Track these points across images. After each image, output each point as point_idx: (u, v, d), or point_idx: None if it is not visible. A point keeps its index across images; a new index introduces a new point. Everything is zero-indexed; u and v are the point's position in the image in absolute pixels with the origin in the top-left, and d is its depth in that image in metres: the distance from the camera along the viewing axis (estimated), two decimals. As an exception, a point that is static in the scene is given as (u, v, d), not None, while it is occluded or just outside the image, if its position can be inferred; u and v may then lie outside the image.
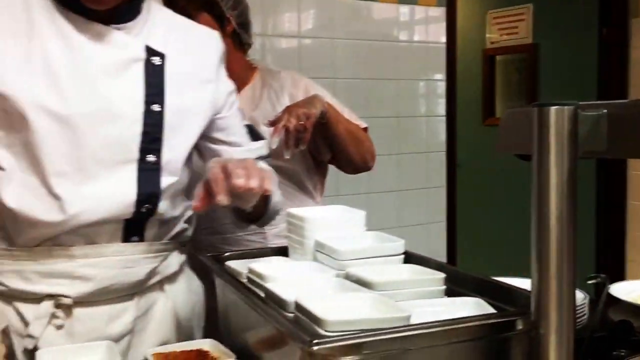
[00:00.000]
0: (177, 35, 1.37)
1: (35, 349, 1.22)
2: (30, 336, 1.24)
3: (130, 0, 1.28)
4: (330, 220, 1.33)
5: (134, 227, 1.31)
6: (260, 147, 1.57)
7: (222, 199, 1.16)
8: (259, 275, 1.17)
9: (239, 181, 1.17)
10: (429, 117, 3.35)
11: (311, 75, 2.10)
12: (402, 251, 1.25)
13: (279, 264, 1.29)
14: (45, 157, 1.20)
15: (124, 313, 1.33)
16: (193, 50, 1.40)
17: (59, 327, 1.27)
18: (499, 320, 0.98)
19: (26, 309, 1.26)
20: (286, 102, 1.91)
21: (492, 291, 1.12)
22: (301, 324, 0.95)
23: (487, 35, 4.95)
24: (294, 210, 1.36)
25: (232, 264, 1.32)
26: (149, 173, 1.29)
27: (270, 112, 1.87)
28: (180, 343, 1.27)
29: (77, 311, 1.28)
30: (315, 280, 1.15)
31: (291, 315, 1.00)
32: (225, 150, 1.47)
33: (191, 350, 1.22)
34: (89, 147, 1.23)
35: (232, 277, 1.26)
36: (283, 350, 1.02)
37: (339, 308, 0.97)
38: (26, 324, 1.26)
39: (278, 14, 2.89)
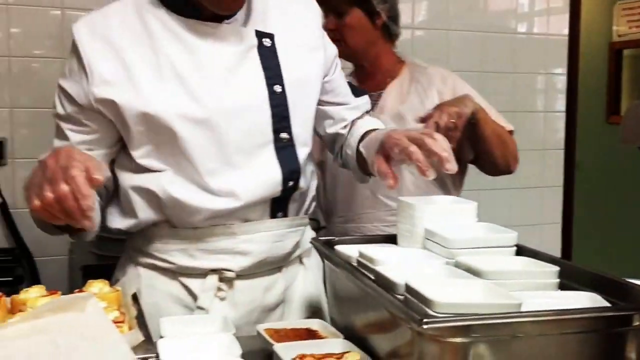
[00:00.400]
0: (275, 11, 1.44)
1: None
2: (200, 307, 1.40)
3: None
4: (441, 210, 1.36)
5: (279, 203, 1.44)
6: (366, 103, 1.65)
7: (431, 174, 1.27)
8: (370, 259, 1.22)
9: (444, 154, 1.27)
10: (547, 112, 3.28)
11: (424, 67, 2.13)
12: (515, 243, 1.27)
13: (388, 250, 1.34)
14: (196, 160, 1.33)
15: (275, 284, 1.47)
16: (295, 22, 1.47)
17: (223, 299, 1.41)
18: (615, 314, 0.98)
19: (192, 283, 1.42)
20: (434, 98, 1.96)
21: (608, 287, 1.11)
22: (411, 306, 1.00)
23: (615, 28, 4.76)
24: (404, 199, 1.40)
25: (342, 248, 1.38)
26: (286, 150, 1.40)
27: (418, 107, 1.93)
28: (290, 321, 1.35)
29: (238, 283, 1.42)
30: (425, 266, 1.19)
31: (401, 297, 1.05)
32: (334, 110, 1.57)
33: (300, 329, 1.29)
34: (230, 141, 1.34)
35: (343, 261, 1.32)
36: (392, 331, 1.07)
37: (448, 292, 1.01)
38: (194, 296, 1.41)
39: (392, 5, 2.92)
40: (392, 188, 1.36)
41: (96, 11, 1.36)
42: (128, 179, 1.38)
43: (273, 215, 1.44)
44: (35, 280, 2.29)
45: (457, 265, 1.18)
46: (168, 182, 1.35)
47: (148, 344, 1.00)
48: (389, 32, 2.03)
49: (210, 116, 1.32)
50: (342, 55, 1.72)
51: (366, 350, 1.14)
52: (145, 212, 1.38)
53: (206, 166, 1.34)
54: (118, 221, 1.43)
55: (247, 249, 1.41)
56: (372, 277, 1.16)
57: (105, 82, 1.30)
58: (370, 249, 1.28)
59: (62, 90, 1.35)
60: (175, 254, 1.41)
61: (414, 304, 0.99)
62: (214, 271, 1.40)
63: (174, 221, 1.39)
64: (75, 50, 1.33)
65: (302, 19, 1.49)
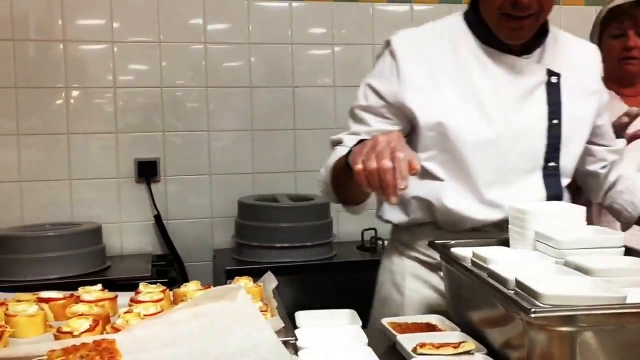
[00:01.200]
0: (563, 51, 1.57)
1: None
2: None
3: (537, 35, 1.50)
4: (550, 213, 1.40)
5: None
6: (624, 147, 1.74)
7: None
8: (482, 259, 1.28)
9: None
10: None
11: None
12: (622, 244, 1.28)
13: (500, 251, 1.39)
14: (476, 172, 1.48)
15: None
16: (580, 65, 1.59)
17: None
18: None
19: None
20: None
21: None
22: (520, 298, 1.06)
23: None
24: (516, 204, 1.45)
25: (457, 250, 1.45)
26: (551, 178, 1.54)
27: None
28: (412, 316, 1.43)
29: None
30: (534, 265, 1.24)
31: (511, 291, 1.11)
32: (598, 150, 1.67)
33: (420, 323, 1.37)
34: (509, 160, 1.50)
35: (459, 261, 1.39)
36: (504, 322, 1.13)
37: (556, 286, 1.06)
38: None
39: None
40: None
41: (413, 29, 1.57)
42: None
43: None
44: (185, 281, 2.50)
45: (566, 264, 1.22)
46: (443, 192, 1.50)
47: (288, 330, 1.12)
48: None
49: (499, 137, 1.48)
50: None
51: (482, 342, 1.21)
52: (417, 213, 1.56)
53: (484, 179, 1.49)
54: (392, 214, 1.60)
55: None
56: (485, 274, 1.22)
57: (414, 88, 1.48)
58: (483, 250, 1.34)
59: (370, 86, 1.53)
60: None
61: (523, 296, 1.05)
62: None
63: (441, 224, 1.55)
64: (391, 55, 1.51)
65: (585, 62, 1.61)
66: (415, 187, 1.49)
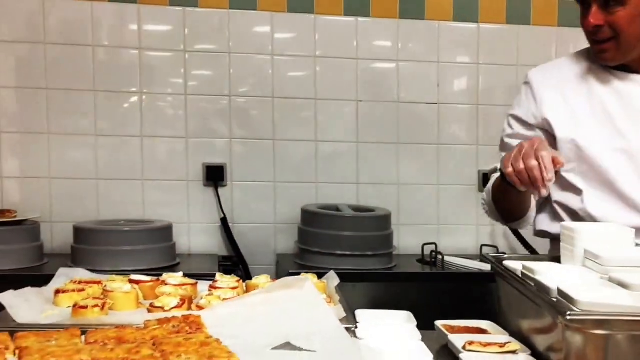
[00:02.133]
0: None
1: None
2: None
3: None
4: (599, 232, 1.55)
5: None
6: None
7: None
8: (531, 270, 1.45)
9: None
10: None
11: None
12: (670, 264, 1.43)
13: (550, 265, 1.55)
14: (616, 179, 1.69)
15: None
16: None
17: None
18: None
19: None
20: None
21: None
22: (560, 305, 1.22)
23: None
24: (567, 224, 1.61)
25: (510, 263, 1.62)
26: None
27: None
28: (465, 320, 1.60)
29: None
30: (578, 278, 1.40)
31: (554, 299, 1.27)
32: None
33: (472, 327, 1.54)
34: None
35: (509, 272, 1.56)
36: (546, 326, 1.30)
37: (594, 296, 1.22)
38: None
39: None
40: None
41: (547, 63, 1.89)
42: (555, 193, 1.77)
43: None
44: (246, 284, 2.72)
45: (610, 280, 1.38)
46: (587, 202, 1.71)
47: (349, 319, 1.31)
48: None
49: (632, 147, 1.69)
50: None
51: (527, 346, 1.37)
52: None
53: (626, 185, 1.69)
54: (546, 224, 1.82)
55: None
56: (532, 284, 1.39)
57: (549, 107, 1.75)
58: (533, 264, 1.51)
59: (513, 116, 1.84)
60: None
61: (563, 303, 1.22)
62: None
63: None
64: (527, 85, 1.83)
65: None
66: (561, 199, 1.75)
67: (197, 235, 2.83)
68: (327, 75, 2.86)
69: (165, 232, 2.57)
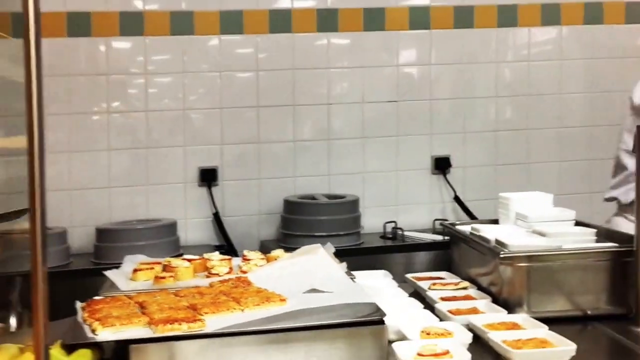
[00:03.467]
0: None
1: None
2: None
3: None
4: (526, 199, 2.12)
5: None
6: None
7: None
8: (476, 230, 2.01)
9: None
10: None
11: None
12: (573, 218, 2.00)
13: (490, 225, 2.11)
14: None
15: None
16: None
17: None
18: (611, 250, 1.72)
19: None
20: None
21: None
22: (496, 248, 1.78)
23: None
24: (503, 194, 2.17)
25: (461, 227, 2.18)
26: None
27: None
28: (427, 272, 2.15)
29: None
30: (511, 232, 1.97)
31: (492, 246, 1.83)
32: None
33: (434, 276, 2.09)
34: None
35: (461, 233, 2.12)
36: (487, 267, 1.86)
37: (520, 241, 1.78)
38: None
39: None
40: None
41: None
42: None
43: None
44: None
45: (533, 231, 1.95)
46: None
47: (348, 273, 1.84)
48: None
49: None
50: None
51: (472, 281, 1.93)
52: None
53: None
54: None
55: None
56: (477, 239, 1.95)
57: None
58: (478, 225, 2.07)
59: None
60: None
61: (498, 247, 1.78)
62: None
63: None
64: None
65: None
66: None
67: (193, 229, 3.29)
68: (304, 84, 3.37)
69: (171, 228, 3.05)
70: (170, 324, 1.38)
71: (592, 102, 3.60)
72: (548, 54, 3.57)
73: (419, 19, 3.42)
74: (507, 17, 3.50)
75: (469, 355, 1.42)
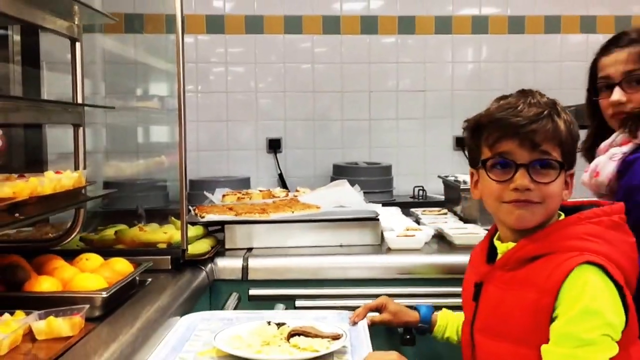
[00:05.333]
0: None
1: None
2: None
3: None
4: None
5: None
6: None
7: None
8: (466, 181, 2.90)
9: None
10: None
11: None
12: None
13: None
14: None
15: None
16: None
17: None
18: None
19: None
20: None
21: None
22: (460, 184, 2.67)
23: None
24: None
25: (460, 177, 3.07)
26: None
27: None
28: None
29: None
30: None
31: (452, 182, 2.72)
32: None
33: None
34: None
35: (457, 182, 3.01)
36: (459, 197, 2.75)
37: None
38: None
39: None
40: None
41: None
42: None
43: None
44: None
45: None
46: None
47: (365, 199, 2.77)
48: None
49: None
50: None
51: (455, 214, 2.83)
52: None
53: None
54: None
55: None
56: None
57: None
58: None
59: None
60: None
61: (460, 182, 2.67)
62: None
63: None
64: None
65: None
66: None
67: (262, 187, 4.27)
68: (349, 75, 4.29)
69: (245, 183, 4.03)
70: (247, 213, 2.35)
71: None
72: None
73: (443, 25, 4.31)
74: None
75: (431, 231, 2.33)
